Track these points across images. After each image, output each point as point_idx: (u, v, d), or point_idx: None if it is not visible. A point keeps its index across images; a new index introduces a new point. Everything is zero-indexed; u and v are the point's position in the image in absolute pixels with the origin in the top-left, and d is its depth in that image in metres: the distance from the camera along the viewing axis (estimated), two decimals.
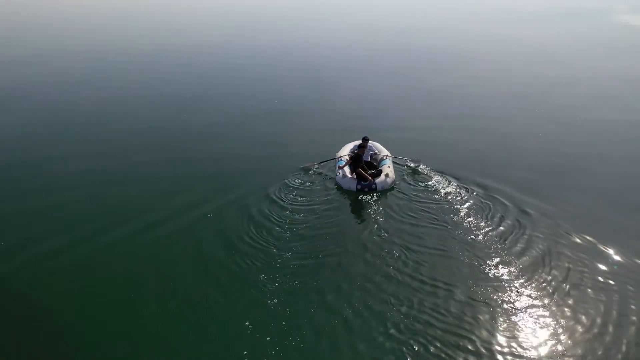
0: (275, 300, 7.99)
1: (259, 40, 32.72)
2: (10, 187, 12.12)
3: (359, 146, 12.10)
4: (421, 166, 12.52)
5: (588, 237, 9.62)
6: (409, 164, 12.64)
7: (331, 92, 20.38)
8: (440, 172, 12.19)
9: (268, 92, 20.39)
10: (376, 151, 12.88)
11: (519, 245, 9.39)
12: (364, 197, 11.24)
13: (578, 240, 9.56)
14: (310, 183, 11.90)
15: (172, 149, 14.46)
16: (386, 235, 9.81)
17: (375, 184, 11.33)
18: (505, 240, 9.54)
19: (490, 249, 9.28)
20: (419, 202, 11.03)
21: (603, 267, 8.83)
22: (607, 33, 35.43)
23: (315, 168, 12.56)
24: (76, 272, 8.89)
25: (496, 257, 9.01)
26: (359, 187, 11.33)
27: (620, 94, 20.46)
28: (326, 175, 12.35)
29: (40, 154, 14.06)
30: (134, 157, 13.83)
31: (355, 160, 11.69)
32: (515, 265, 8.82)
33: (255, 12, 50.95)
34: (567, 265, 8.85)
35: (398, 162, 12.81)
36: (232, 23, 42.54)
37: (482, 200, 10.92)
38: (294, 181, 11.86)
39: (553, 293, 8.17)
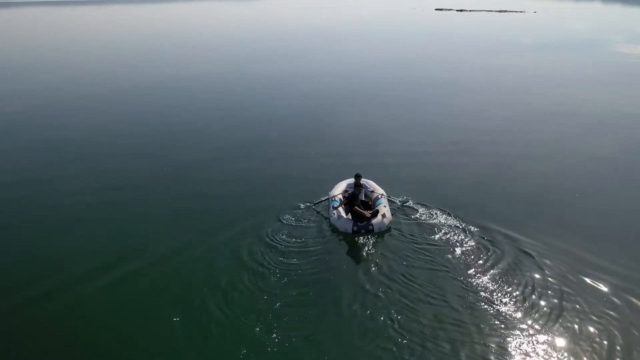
0: (271, 347, 7.57)
1: (246, 72, 32.81)
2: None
3: (355, 185, 11.70)
4: (413, 204, 12.20)
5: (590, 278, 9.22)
6: (399, 204, 12.27)
7: (324, 125, 20.20)
8: (436, 210, 11.83)
9: (259, 126, 20.17)
10: (371, 189, 12.48)
11: (517, 286, 8.97)
12: (361, 239, 10.79)
13: (579, 279, 9.15)
14: (305, 224, 11.46)
15: (159, 188, 14.10)
16: (385, 279, 9.38)
17: (372, 225, 10.90)
18: (503, 281, 9.12)
19: (492, 292, 8.85)
20: (417, 243, 10.61)
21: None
22: (604, 63, 35.67)
23: (313, 207, 12.14)
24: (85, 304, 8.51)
25: (498, 301, 8.57)
26: (355, 228, 10.89)
27: (617, 124, 20.29)
28: (321, 215, 11.91)
29: (49, 190, 14.09)
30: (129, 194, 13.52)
31: (351, 200, 11.28)
32: (517, 305, 8.37)
33: (248, 43, 51.35)
34: (569, 304, 8.43)
35: (392, 200, 12.42)
36: (223, 54, 42.81)
37: (480, 241, 10.52)
38: (289, 222, 11.45)
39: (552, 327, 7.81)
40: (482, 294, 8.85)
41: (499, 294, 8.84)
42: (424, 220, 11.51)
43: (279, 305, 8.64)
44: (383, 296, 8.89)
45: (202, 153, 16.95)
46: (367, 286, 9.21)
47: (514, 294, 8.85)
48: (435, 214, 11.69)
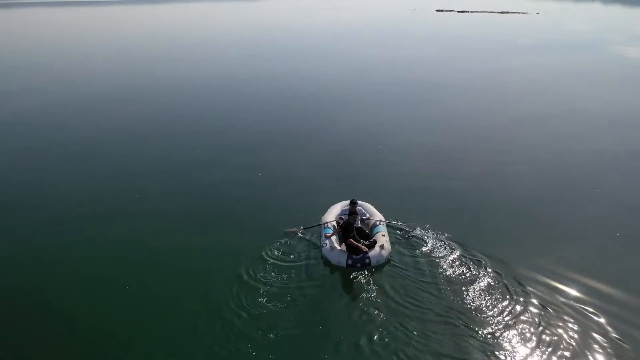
0: None
1: (240, 75, 31.55)
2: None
3: (350, 213, 10.53)
4: (418, 231, 10.96)
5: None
6: (405, 229, 11.08)
7: (320, 131, 19.02)
8: (442, 240, 10.61)
9: (254, 129, 18.97)
10: (368, 215, 11.28)
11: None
12: (356, 274, 9.60)
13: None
14: (293, 254, 10.25)
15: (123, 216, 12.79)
16: (382, 320, 8.23)
17: (369, 258, 9.70)
18: (519, 331, 7.93)
19: (507, 342, 7.67)
20: (420, 278, 9.41)
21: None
22: (604, 64, 34.91)
23: (300, 234, 10.96)
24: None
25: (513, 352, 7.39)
26: (349, 262, 9.71)
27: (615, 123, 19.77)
28: (312, 243, 10.72)
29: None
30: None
31: (346, 229, 10.10)
32: None
33: (247, 45, 50.04)
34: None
35: (392, 227, 11.23)
36: (221, 55, 41.44)
37: (500, 283, 9.18)
38: (272, 253, 10.22)
39: None
40: (495, 344, 7.70)
41: (517, 346, 7.69)
42: (428, 250, 10.29)
43: (258, 350, 7.53)
44: (379, 339, 7.80)
45: (185, 162, 16.02)
46: (362, 328, 8.09)
47: (532, 346, 7.70)
48: (442, 242, 10.48)
